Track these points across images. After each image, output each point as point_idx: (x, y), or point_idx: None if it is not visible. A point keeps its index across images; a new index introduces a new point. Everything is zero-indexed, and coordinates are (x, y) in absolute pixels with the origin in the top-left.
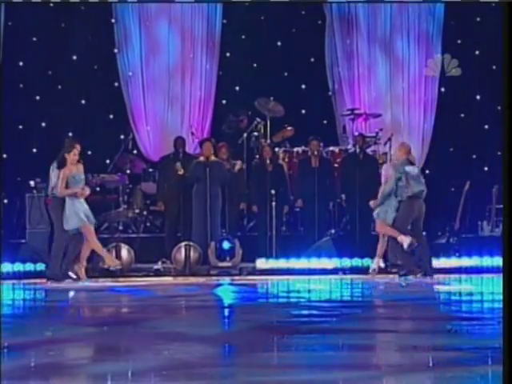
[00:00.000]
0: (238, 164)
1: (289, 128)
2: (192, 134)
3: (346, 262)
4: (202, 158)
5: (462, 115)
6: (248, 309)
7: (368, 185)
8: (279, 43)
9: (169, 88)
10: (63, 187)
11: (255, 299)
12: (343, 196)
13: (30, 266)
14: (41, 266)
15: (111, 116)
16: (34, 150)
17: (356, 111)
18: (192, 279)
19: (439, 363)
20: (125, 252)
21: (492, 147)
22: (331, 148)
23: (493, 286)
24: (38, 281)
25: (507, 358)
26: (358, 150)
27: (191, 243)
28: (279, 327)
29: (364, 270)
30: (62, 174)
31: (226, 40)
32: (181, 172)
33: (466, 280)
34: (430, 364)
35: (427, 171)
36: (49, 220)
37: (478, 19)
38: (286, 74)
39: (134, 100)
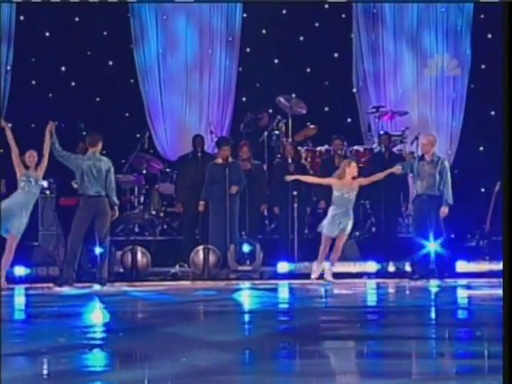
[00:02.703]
0: (233, 188)
1: (311, 126)
2: (211, 132)
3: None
4: (219, 160)
5: (492, 113)
6: (269, 314)
7: (394, 186)
8: (301, 38)
9: (187, 85)
10: None
11: (276, 304)
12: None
13: (43, 270)
14: (54, 270)
15: (127, 114)
16: None
17: (381, 109)
18: (210, 283)
19: (468, 371)
20: (141, 255)
21: None
22: (355, 147)
23: None
24: (51, 285)
25: (507, 361)
26: (383, 150)
27: (210, 246)
28: (301, 333)
29: (389, 274)
30: None
31: (246, 35)
32: None
33: (496, 285)
34: (456, 372)
35: (455, 171)
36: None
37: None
38: (308, 70)
39: (150, 97)
